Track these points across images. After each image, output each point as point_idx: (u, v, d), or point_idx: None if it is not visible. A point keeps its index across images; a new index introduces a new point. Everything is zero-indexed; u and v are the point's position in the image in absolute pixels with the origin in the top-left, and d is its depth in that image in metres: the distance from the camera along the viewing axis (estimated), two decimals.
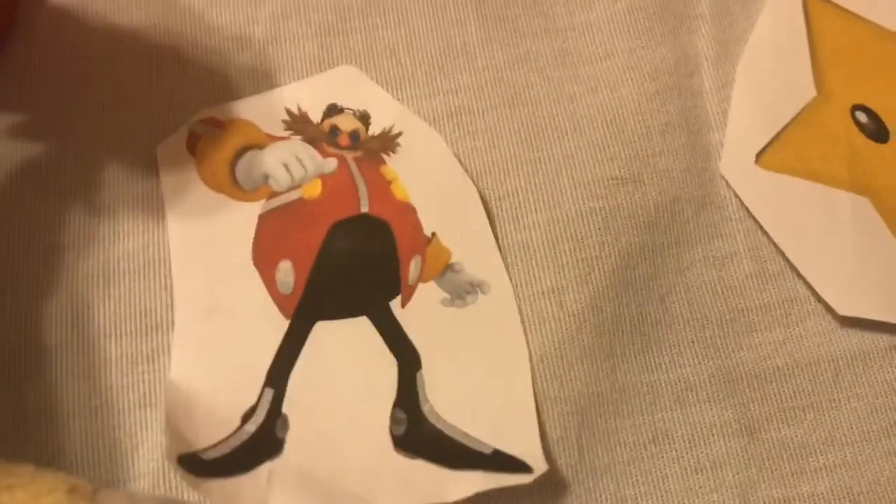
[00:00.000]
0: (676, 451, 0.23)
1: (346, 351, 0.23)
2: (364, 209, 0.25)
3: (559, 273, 0.25)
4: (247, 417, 0.22)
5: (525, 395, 0.23)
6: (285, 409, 0.22)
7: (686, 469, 0.23)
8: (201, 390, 0.22)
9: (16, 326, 0.24)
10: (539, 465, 0.22)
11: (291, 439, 0.22)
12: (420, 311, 0.24)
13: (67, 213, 0.25)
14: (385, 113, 0.26)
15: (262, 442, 0.22)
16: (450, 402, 0.23)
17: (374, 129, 0.26)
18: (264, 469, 0.22)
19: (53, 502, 0.18)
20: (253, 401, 0.23)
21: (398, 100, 0.27)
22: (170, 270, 0.24)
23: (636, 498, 0.23)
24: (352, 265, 0.25)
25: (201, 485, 0.21)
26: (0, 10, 0.27)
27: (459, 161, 0.26)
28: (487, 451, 0.22)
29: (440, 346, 0.24)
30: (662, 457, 0.23)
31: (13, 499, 0.18)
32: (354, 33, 0.28)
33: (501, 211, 0.26)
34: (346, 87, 0.27)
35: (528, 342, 0.24)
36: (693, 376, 0.24)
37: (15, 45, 0.27)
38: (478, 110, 0.27)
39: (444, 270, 0.25)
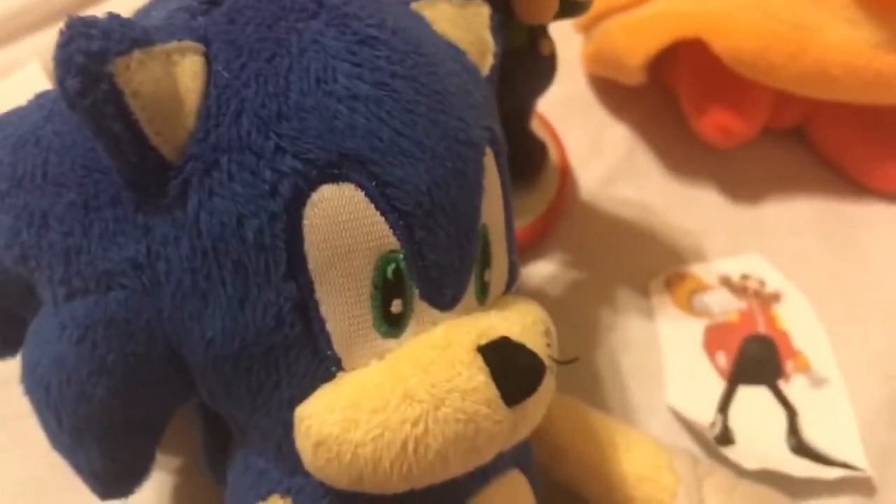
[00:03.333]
0: None
1: (759, 401, 0.45)
2: (761, 331, 0.47)
3: None
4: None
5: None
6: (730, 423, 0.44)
7: None
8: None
9: None
10: None
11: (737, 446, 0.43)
12: (794, 389, 0.46)
13: (588, 309, 0.48)
14: (774, 281, 0.49)
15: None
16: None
17: (769, 289, 0.49)
18: None
19: None
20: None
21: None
22: (659, 348, 0.47)
23: None
24: (755, 359, 0.46)
25: None
26: (554, 203, 0.51)
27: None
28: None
29: (809, 407, 0.45)
30: None
31: None
32: None
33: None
34: (755, 267, 0.50)
35: None
36: None
37: (566, 219, 0.51)
38: None
39: (806, 370, 0.46)
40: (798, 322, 0.48)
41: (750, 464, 0.41)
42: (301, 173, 0.25)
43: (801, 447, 0.43)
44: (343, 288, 0.27)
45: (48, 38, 0.53)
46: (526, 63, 0.40)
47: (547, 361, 0.29)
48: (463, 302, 0.29)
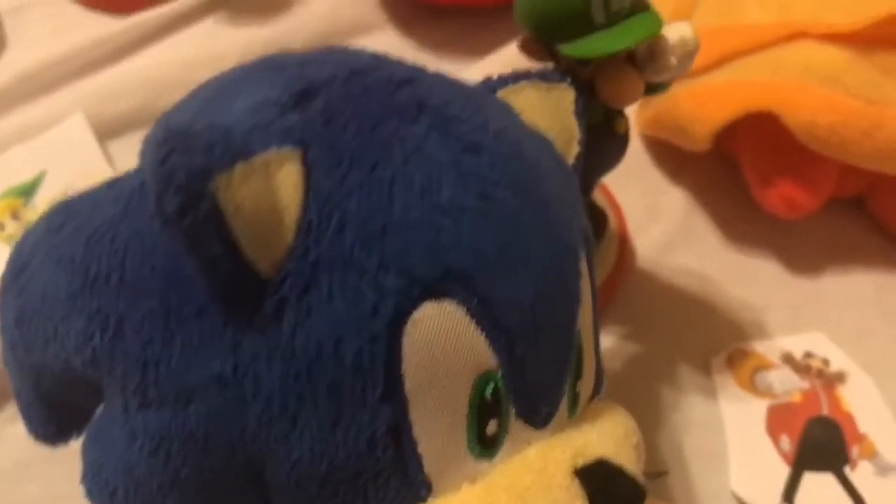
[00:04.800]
0: None
1: (825, 489, 0.43)
2: (825, 412, 0.46)
3: None
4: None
5: None
6: None
7: None
8: None
9: None
10: None
11: None
12: (860, 477, 0.44)
13: (648, 386, 0.46)
14: (838, 360, 0.47)
15: None
16: None
17: (832, 369, 0.47)
18: None
19: None
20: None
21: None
22: (722, 429, 0.45)
23: None
24: (819, 443, 0.45)
25: None
26: (613, 273, 0.50)
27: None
28: None
29: (877, 497, 0.43)
30: None
31: None
32: None
33: None
34: (819, 346, 0.48)
35: None
36: None
37: (623, 289, 0.50)
38: None
39: (873, 456, 0.45)
40: (863, 404, 0.46)
41: None
42: (404, 291, 0.24)
43: None
44: (439, 409, 0.25)
45: (91, 87, 0.52)
46: (601, 141, 0.39)
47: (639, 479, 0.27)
48: (556, 417, 0.28)
